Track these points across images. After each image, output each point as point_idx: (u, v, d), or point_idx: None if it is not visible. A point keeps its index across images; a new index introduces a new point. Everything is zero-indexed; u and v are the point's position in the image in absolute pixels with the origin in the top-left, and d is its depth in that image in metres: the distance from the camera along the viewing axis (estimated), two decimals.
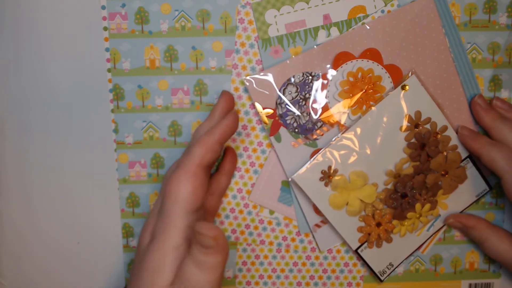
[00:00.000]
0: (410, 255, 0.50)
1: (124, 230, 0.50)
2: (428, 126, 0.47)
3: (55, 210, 0.49)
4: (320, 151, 0.47)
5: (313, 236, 0.50)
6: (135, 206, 0.50)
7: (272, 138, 0.49)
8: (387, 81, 0.47)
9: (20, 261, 0.50)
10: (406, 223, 0.48)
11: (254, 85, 0.48)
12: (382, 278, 0.50)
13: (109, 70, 0.47)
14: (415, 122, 0.47)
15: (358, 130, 0.47)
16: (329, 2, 0.47)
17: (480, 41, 0.48)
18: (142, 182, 0.49)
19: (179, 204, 0.40)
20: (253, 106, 0.48)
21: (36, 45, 0.47)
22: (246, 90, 0.48)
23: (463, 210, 0.49)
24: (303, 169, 0.47)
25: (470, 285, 0.51)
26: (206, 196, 0.42)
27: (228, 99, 0.45)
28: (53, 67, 0.47)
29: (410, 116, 0.47)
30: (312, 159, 0.47)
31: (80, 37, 0.47)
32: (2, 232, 0.50)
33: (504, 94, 0.48)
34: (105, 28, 0.47)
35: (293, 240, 0.50)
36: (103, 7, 0.47)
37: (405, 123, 0.47)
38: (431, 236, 0.50)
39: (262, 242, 0.50)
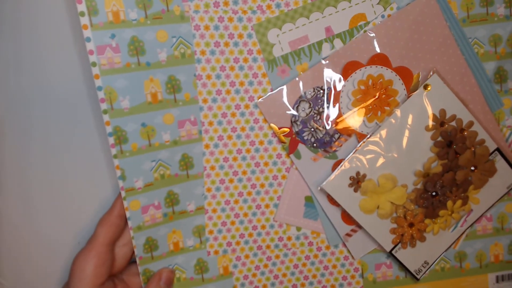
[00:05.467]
0: (445, 251, 0.51)
1: (144, 277, 0.46)
2: (453, 123, 0.47)
3: (55, 210, 0.48)
4: (346, 158, 0.47)
5: (345, 246, 0.50)
6: (153, 250, 0.46)
7: (292, 156, 0.47)
8: (398, 84, 0.47)
9: (20, 261, 0.49)
10: (438, 221, 0.49)
11: (267, 107, 0.46)
12: (418, 277, 0.50)
13: (105, 112, 0.42)
14: (440, 121, 0.47)
15: (383, 134, 0.46)
16: (329, 14, 0.46)
17: (480, 35, 0.48)
18: (158, 224, 0.46)
19: (82, 282, 0.43)
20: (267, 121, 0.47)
21: (36, 45, 0.46)
22: (257, 105, 0.46)
23: (495, 203, 0.50)
24: (332, 176, 0.46)
25: (497, 277, 0.53)
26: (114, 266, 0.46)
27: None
28: (53, 67, 0.46)
29: (435, 115, 0.46)
30: (339, 166, 0.46)
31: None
32: (2, 232, 0.49)
33: (510, 84, 0.49)
34: (94, 64, 0.41)
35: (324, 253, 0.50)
36: (88, 39, 0.41)
37: (430, 123, 0.46)
38: (464, 231, 0.51)
39: (294, 253, 0.50)
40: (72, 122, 0.47)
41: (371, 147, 0.46)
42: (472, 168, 0.48)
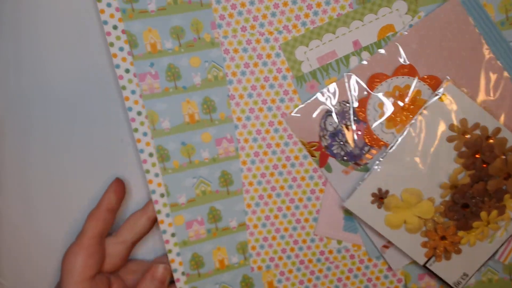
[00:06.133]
0: (486, 262, 0.49)
1: None
2: (477, 131, 0.46)
3: (55, 210, 0.49)
4: (366, 175, 0.47)
5: (383, 258, 0.50)
6: (199, 267, 0.49)
7: (323, 169, 0.48)
8: (427, 93, 0.47)
9: (20, 261, 0.50)
10: (473, 232, 0.47)
11: (294, 122, 0.48)
12: None
13: (135, 130, 0.46)
14: (462, 130, 0.46)
15: (403, 148, 0.46)
16: (356, 28, 0.47)
17: None
18: (202, 240, 0.49)
19: (73, 275, 0.44)
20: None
21: (36, 45, 0.47)
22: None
23: None
24: (353, 194, 0.47)
25: None
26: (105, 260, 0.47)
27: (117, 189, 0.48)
28: (53, 67, 0.47)
29: (456, 125, 0.46)
30: (360, 183, 0.47)
31: (80, 36, 0.47)
32: (2, 232, 0.49)
33: None
34: (133, 92, 0.46)
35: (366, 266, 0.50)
36: (127, 71, 0.46)
37: (451, 133, 0.46)
38: (506, 241, 0.48)
39: (337, 267, 0.50)
40: (72, 122, 0.48)
41: (391, 162, 0.46)
42: (506, 176, 0.46)
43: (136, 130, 0.47)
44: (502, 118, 0.47)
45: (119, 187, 0.47)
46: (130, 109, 0.46)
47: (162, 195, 0.48)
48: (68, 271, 0.44)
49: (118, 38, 0.45)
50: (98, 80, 0.48)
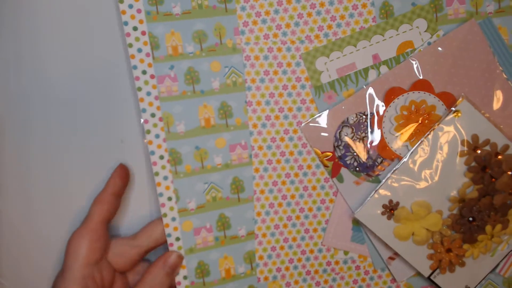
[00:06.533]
0: (487, 275, 0.50)
1: None
2: (487, 147, 0.48)
3: (55, 210, 0.49)
4: (378, 186, 0.47)
5: (389, 269, 0.50)
6: (205, 276, 0.48)
7: (334, 179, 0.48)
8: (441, 109, 0.48)
9: (20, 261, 0.49)
10: (478, 245, 0.49)
11: (310, 131, 0.48)
12: None
13: (148, 132, 0.46)
14: (473, 146, 0.47)
15: (415, 161, 0.47)
16: (377, 42, 0.48)
17: None
18: (210, 248, 0.48)
19: (77, 258, 0.43)
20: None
21: (36, 45, 0.46)
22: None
23: None
24: (364, 205, 0.47)
25: None
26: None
27: (121, 175, 0.47)
28: (53, 67, 0.47)
29: (467, 141, 0.47)
30: (371, 194, 0.47)
31: (80, 36, 0.47)
32: (2, 232, 0.49)
33: None
34: (148, 93, 0.46)
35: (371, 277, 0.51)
36: (144, 72, 0.45)
37: (462, 148, 0.47)
38: (507, 255, 0.50)
39: (342, 278, 0.50)
40: (72, 122, 0.48)
41: (403, 174, 0.47)
42: (511, 191, 0.48)
43: (148, 131, 0.46)
44: (507, 135, 0.48)
45: (124, 172, 0.47)
46: (144, 110, 0.46)
47: (169, 199, 0.47)
48: (73, 254, 0.44)
49: (137, 39, 0.45)
50: (98, 80, 0.48)
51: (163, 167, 0.46)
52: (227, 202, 0.48)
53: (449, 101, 0.48)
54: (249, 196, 0.48)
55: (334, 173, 0.49)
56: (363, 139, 0.48)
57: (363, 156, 0.48)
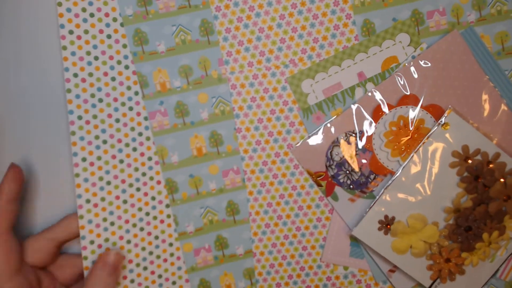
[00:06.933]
0: (488, 281, 0.50)
1: None
2: (479, 157, 0.48)
3: (55, 210, 0.49)
4: (373, 202, 0.48)
5: (390, 282, 0.51)
6: None
7: (329, 198, 0.49)
8: (430, 122, 0.48)
9: None
10: (476, 253, 0.49)
11: (300, 153, 0.49)
12: None
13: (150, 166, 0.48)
14: (463, 156, 0.47)
15: (408, 175, 0.47)
16: (361, 60, 0.48)
17: None
18: (210, 266, 0.50)
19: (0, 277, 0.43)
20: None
21: (36, 45, 0.47)
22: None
23: None
24: (360, 223, 0.48)
25: None
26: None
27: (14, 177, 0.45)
28: (53, 67, 0.47)
29: (457, 152, 0.47)
30: (366, 211, 0.48)
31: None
32: None
33: None
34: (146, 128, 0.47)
35: None
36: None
37: (454, 160, 0.47)
38: (506, 259, 0.50)
39: None
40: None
41: (397, 189, 0.48)
42: (505, 198, 0.48)
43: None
44: (496, 142, 0.48)
45: (17, 174, 0.45)
46: (71, 112, 0.46)
47: (168, 225, 0.49)
48: None
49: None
50: None
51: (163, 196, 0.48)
52: (224, 224, 0.49)
53: (438, 113, 0.48)
54: (245, 218, 0.50)
55: (329, 192, 0.49)
56: (354, 157, 0.49)
57: (357, 172, 0.49)
